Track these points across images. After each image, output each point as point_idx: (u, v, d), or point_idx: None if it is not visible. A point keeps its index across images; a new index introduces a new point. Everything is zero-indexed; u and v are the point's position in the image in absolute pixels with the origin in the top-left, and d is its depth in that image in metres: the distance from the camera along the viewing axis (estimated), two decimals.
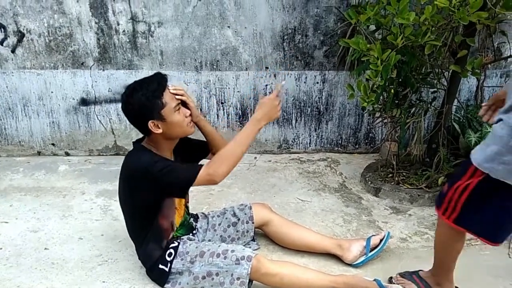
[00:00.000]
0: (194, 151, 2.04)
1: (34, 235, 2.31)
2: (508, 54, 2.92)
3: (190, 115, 1.82)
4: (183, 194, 1.88)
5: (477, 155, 1.50)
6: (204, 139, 2.02)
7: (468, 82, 3.14)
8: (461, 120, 2.78)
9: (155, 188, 1.72)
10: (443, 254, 1.78)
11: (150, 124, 1.71)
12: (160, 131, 1.73)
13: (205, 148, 2.03)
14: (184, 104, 1.81)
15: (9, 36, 2.93)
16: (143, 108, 1.69)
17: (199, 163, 1.76)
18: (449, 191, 1.59)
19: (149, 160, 1.71)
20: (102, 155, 3.27)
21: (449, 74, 2.57)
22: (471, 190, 1.52)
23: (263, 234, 2.20)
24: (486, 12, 2.05)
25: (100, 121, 3.17)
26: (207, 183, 1.72)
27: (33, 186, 2.81)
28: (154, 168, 1.68)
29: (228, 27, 2.96)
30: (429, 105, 2.76)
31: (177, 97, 1.77)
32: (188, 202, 2.08)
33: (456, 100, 2.72)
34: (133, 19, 2.91)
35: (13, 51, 2.97)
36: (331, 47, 3.02)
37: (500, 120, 1.37)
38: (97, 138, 3.23)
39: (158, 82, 1.71)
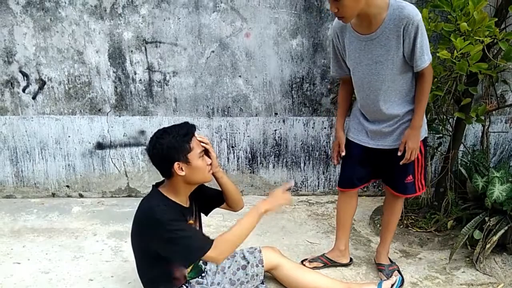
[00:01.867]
0: (210, 199, 2.11)
1: (45, 276, 2.34)
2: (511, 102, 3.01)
3: (211, 164, 1.90)
4: (185, 265, 1.91)
5: None
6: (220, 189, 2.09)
7: (474, 127, 3.20)
8: (468, 164, 2.82)
9: (159, 242, 1.77)
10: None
11: (176, 166, 1.77)
12: (183, 173, 1.79)
13: (221, 198, 2.10)
14: (206, 153, 1.90)
15: (31, 84, 3.09)
16: (172, 149, 1.76)
17: (210, 237, 1.82)
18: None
19: (162, 213, 1.75)
20: (115, 196, 3.34)
21: (454, 120, 2.64)
22: None
23: (272, 278, 2.21)
24: (486, 63, 2.15)
25: (114, 164, 3.27)
26: (209, 260, 1.84)
27: (46, 227, 2.86)
28: (167, 226, 1.73)
29: (240, 76, 3.10)
30: (435, 150, 2.82)
31: (202, 144, 1.87)
32: None
33: (462, 145, 2.78)
34: (150, 69, 3.07)
35: (34, 98, 3.12)
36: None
37: None
38: (110, 180, 3.31)
39: (187, 128, 1.82)
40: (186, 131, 1.80)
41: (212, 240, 1.78)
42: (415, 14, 1.80)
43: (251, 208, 1.90)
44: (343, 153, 2.21)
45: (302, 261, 2.42)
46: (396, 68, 1.92)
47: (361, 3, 1.77)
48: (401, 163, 2.06)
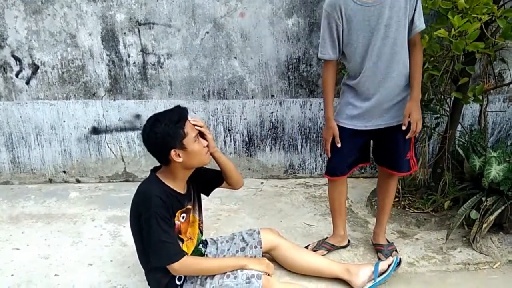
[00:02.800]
0: (209, 180, 2.11)
1: (45, 262, 2.35)
2: (510, 80, 2.98)
3: (208, 145, 1.89)
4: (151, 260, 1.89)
5: None
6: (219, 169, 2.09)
7: (471, 107, 3.19)
8: (465, 145, 2.82)
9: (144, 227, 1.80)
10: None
11: (172, 153, 1.76)
12: (180, 160, 1.79)
13: (220, 177, 2.11)
14: (201, 135, 1.88)
15: (24, 69, 3.05)
16: (166, 138, 1.74)
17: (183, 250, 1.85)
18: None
19: (156, 206, 1.76)
20: (112, 181, 3.33)
21: (452, 100, 2.62)
22: None
23: (271, 259, 2.22)
24: (483, 42, 2.11)
25: (110, 149, 3.25)
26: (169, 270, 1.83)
27: (44, 213, 2.87)
28: (152, 218, 1.74)
29: (235, 57, 3.06)
30: (432, 131, 2.81)
31: (196, 128, 1.85)
32: (202, 227, 2.12)
33: (459, 125, 2.77)
34: (143, 51, 3.02)
35: (27, 83, 3.08)
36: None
37: None
38: (107, 165, 3.30)
39: (179, 113, 1.79)
40: (178, 116, 1.78)
41: (183, 255, 1.80)
42: None
43: (235, 257, 2.03)
44: (339, 145, 2.12)
45: (305, 247, 2.40)
46: (404, 32, 1.93)
47: None
48: (407, 136, 2.06)
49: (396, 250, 2.35)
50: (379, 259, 2.29)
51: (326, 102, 2.15)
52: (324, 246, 2.39)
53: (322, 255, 2.32)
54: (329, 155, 2.18)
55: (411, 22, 1.93)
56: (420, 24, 1.94)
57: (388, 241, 2.40)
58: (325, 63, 2.13)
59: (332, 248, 2.39)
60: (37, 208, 2.94)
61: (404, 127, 2.04)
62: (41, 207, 2.95)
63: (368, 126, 2.10)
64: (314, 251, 2.35)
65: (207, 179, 2.09)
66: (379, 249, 2.35)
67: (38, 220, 2.78)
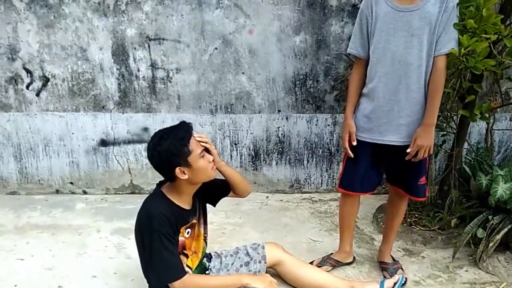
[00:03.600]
0: (216, 190, 2.10)
1: (49, 273, 2.35)
2: None
3: (213, 160, 1.88)
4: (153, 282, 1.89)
5: None
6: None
7: (478, 125, 3.19)
8: (472, 162, 2.81)
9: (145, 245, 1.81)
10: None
11: (177, 170, 1.76)
12: (186, 177, 1.78)
13: (226, 187, 2.10)
14: (207, 150, 1.88)
15: (34, 81, 3.10)
16: (171, 156, 1.73)
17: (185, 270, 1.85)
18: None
19: (159, 224, 1.75)
20: (119, 193, 3.35)
21: (458, 118, 2.62)
22: None
23: (275, 274, 2.21)
24: (493, 60, 2.12)
25: (118, 161, 3.27)
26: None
27: (50, 224, 2.88)
28: (154, 236, 1.75)
29: (243, 73, 3.09)
30: (439, 148, 2.81)
31: (201, 144, 1.84)
32: (206, 239, 2.11)
33: (466, 143, 2.76)
34: (153, 66, 3.07)
35: (37, 95, 3.13)
36: (341, 91, 3.12)
37: None
38: (114, 177, 3.32)
39: (184, 130, 1.78)
40: (183, 134, 1.76)
41: (185, 274, 1.80)
42: None
43: (236, 274, 2.03)
44: (354, 143, 2.07)
45: (310, 263, 2.38)
46: (429, 47, 1.89)
47: None
48: (406, 158, 1.99)
49: (402, 268, 2.32)
50: (385, 277, 2.27)
51: (348, 100, 2.13)
52: (329, 262, 2.37)
53: (327, 271, 2.30)
54: (350, 154, 2.11)
55: (438, 40, 1.88)
56: (445, 46, 1.88)
57: (393, 259, 2.38)
58: (354, 62, 2.14)
59: (337, 264, 2.37)
60: (43, 218, 2.96)
61: (408, 150, 1.98)
62: (47, 218, 2.96)
63: (385, 140, 2.04)
64: (319, 266, 2.33)
65: (213, 190, 2.08)
66: (384, 267, 2.33)
67: (43, 231, 2.79)
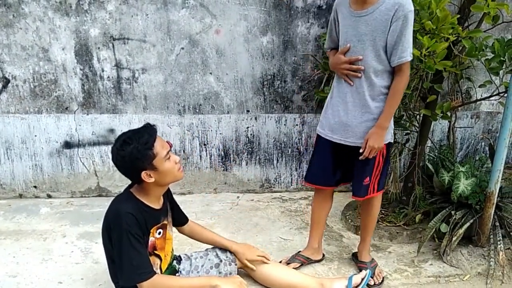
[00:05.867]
0: (177, 215, 2.15)
1: (13, 280, 2.27)
2: (475, 98, 3.09)
3: (179, 161, 1.85)
4: (122, 282, 1.85)
5: None
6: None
7: (441, 123, 3.29)
8: (434, 159, 2.90)
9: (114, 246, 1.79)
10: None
11: (143, 174, 1.73)
12: (152, 180, 1.76)
13: (183, 223, 2.19)
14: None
15: None
16: (135, 160, 1.70)
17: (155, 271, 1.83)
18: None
19: (128, 224, 1.73)
20: (85, 196, 3.27)
21: (421, 117, 2.70)
22: None
23: (246, 275, 2.22)
24: (451, 61, 2.20)
25: (83, 163, 3.20)
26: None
27: (13, 230, 2.78)
28: (124, 235, 1.73)
29: (210, 73, 3.08)
30: (403, 146, 2.88)
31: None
32: (172, 245, 2.10)
33: (429, 140, 2.85)
34: (118, 66, 3.01)
35: None
36: (309, 91, 3.16)
37: None
38: (79, 180, 3.24)
39: (148, 133, 1.74)
40: (147, 138, 1.72)
41: (153, 274, 1.78)
42: (408, 3, 1.84)
43: (206, 276, 2.03)
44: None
45: (279, 262, 2.40)
46: (376, 54, 1.91)
47: None
48: (360, 157, 2.03)
49: (378, 266, 2.35)
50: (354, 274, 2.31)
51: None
52: (297, 258, 2.39)
53: (296, 268, 2.33)
54: (358, 76, 2.01)
55: (392, 51, 1.90)
56: (405, 56, 1.88)
57: (371, 258, 2.39)
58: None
59: (306, 261, 2.40)
60: (6, 224, 2.85)
61: (361, 151, 2.03)
62: (10, 223, 2.86)
63: (334, 138, 2.12)
64: (288, 263, 2.36)
65: (175, 212, 2.13)
66: (362, 267, 2.32)
67: (6, 237, 2.69)
